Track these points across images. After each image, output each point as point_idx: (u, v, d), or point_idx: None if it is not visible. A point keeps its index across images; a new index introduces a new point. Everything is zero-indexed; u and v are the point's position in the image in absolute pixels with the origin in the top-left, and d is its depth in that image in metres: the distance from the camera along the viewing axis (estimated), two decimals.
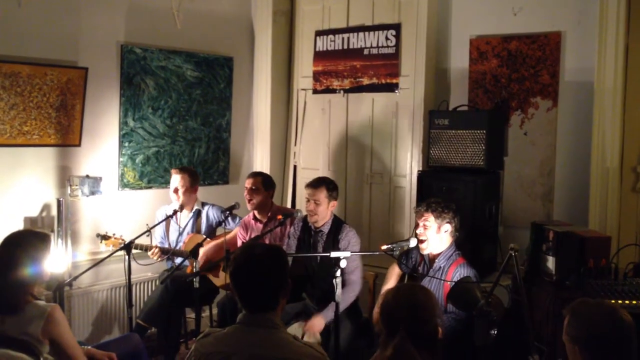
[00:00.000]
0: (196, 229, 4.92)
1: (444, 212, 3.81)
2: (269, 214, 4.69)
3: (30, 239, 3.06)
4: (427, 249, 3.85)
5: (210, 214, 4.96)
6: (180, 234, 4.92)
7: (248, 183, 4.68)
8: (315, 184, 4.31)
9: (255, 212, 4.73)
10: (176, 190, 4.82)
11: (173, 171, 4.91)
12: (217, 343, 2.27)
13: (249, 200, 4.66)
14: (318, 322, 3.96)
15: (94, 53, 4.82)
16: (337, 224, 4.29)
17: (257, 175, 4.75)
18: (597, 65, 4.22)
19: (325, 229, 4.27)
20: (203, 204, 5.00)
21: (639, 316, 3.08)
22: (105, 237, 4.57)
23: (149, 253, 4.66)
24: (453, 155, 4.51)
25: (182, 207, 4.86)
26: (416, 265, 4.01)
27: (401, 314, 2.29)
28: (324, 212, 4.27)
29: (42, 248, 3.05)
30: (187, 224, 4.93)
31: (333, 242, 4.20)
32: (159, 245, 4.81)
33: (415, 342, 2.17)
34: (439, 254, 3.83)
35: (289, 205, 5.89)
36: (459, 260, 3.79)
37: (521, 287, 3.12)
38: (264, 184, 4.68)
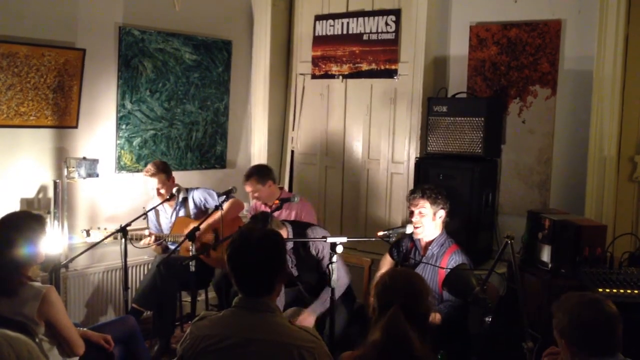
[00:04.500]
0: (186, 214, 4.93)
1: (437, 198, 3.81)
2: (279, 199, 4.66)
3: (26, 220, 3.06)
4: (421, 234, 3.84)
5: (196, 198, 4.94)
6: (172, 223, 4.91)
7: (248, 189, 4.70)
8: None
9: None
10: (158, 190, 4.76)
11: (145, 174, 4.79)
12: (213, 326, 2.28)
13: (258, 201, 4.76)
14: (308, 320, 3.81)
15: (92, 34, 4.77)
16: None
17: (249, 177, 4.69)
18: (597, 54, 4.21)
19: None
20: (187, 190, 4.97)
21: (634, 305, 3.12)
22: (89, 233, 4.56)
23: (142, 243, 4.65)
24: (451, 143, 4.51)
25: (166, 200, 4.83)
26: (407, 254, 4.00)
27: (397, 286, 2.30)
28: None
29: (38, 230, 3.05)
30: (177, 212, 4.92)
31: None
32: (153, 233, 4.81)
33: (408, 317, 2.15)
34: (431, 241, 3.83)
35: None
36: (452, 247, 3.78)
37: (516, 275, 3.13)
38: (258, 181, 4.66)
